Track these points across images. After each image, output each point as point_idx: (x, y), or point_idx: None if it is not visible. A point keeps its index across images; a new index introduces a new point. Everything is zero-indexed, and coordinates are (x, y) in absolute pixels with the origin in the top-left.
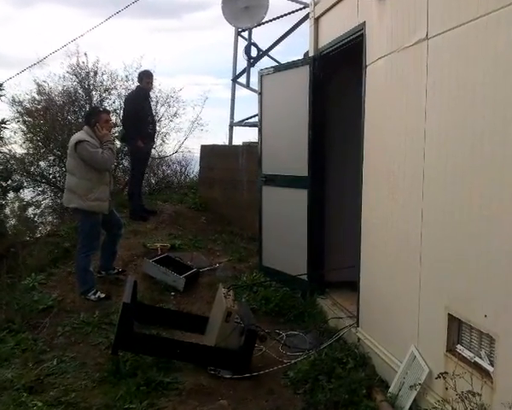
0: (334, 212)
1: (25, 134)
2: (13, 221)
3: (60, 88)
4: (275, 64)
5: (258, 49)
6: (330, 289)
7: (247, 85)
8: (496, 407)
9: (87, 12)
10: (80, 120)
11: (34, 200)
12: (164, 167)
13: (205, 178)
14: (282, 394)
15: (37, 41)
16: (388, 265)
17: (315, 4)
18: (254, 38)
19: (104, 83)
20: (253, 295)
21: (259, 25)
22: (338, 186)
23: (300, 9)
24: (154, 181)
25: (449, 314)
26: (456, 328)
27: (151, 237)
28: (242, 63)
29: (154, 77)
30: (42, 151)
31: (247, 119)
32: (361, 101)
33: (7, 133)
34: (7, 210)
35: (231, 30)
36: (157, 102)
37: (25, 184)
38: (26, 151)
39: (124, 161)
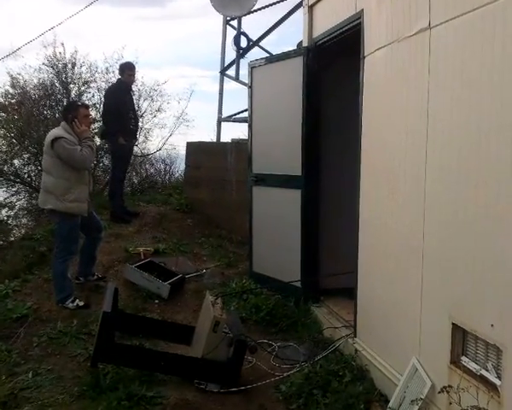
0: (330, 214)
1: None
2: None
3: (35, 81)
4: (266, 55)
5: (249, 40)
6: (326, 297)
7: (237, 78)
8: None
9: None
10: (57, 116)
11: (8, 201)
12: (147, 166)
13: (191, 178)
14: (274, 409)
15: (11, 30)
16: (388, 270)
17: None
18: (244, 28)
19: (83, 75)
20: (243, 304)
21: (249, 13)
22: (334, 186)
23: None
24: (136, 181)
25: (453, 324)
26: (461, 338)
27: (133, 241)
28: (231, 54)
29: (137, 69)
30: (16, 149)
31: (236, 114)
32: (359, 95)
33: None
34: None
35: (219, 18)
36: (140, 95)
37: None
38: None
39: (104, 159)
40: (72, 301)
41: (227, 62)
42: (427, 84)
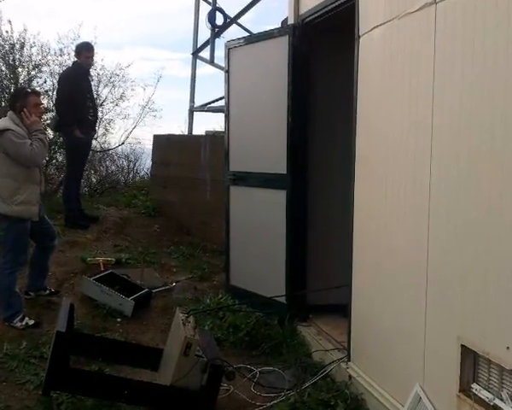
0: (320, 218)
1: None
2: None
3: None
4: (245, 35)
5: (225, 16)
6: (314, 315)
7: (211, 61)
8: None
9: None
10: (3, 104)
11: None
12: (108, 163)
13: (158, 177)
14: None
15: None
16: (387, 284)
17: None
18: (220, 2)
19: (33, 58)
20: (219, 322)
21: None
22: (324, 187)
23: None
24: (95, 180)
25: (462, 346)
26: (472, 363)
27: (92, 250)
28: (205, 33)
29: (96, 50)
30: None
31: (211, 102)
32: (353, 80)
33: None
34: None
35: None
36: (99, 81)
37: None
38: None
39: (58, 154)
40: (21, 320)
41: (200, 43)
42: (432, 68)
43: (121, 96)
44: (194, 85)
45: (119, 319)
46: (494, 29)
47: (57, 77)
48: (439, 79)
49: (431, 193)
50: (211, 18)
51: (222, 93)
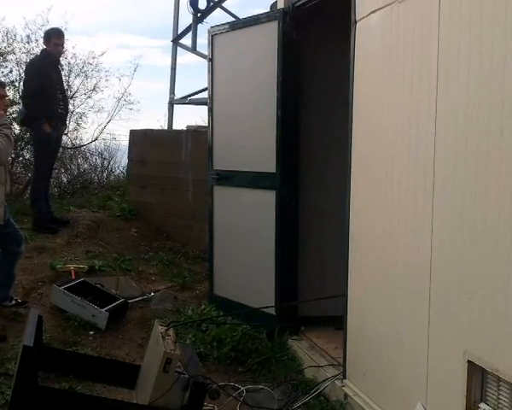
0: (313, 221)
1: None
2: None
3: None
4: (231, 20)
5: (209, 0)
6: (307, 328)
7: (193, 49)
8: None
9: None
10: None
11: None
12: (79, 161)
13: (135, 176)
14: None
15: None
16: (386, 293)
17: None
18: None
19: None
20: (202, 336)
21: None
22: (318, 187)
23: None
24: (65, 179)
25: (469, 362)
26: (479, 380)
27: (62, 257)
28: (187, 19)
29: (66, 37)
30: None
31: (193, 94)
32: (349, 70)
33: None
34: None
35: None
36: (70, 71)
37: None
38: None
39: (25, 151)
40: None
41: (181, 29)
42: (436, 56)
43: (94, 88)
44: (174, 76)
45: (91, 333)
46: (503, 13)
47: (24, 66)
48: (442, 67)
49: (434, 193)
50: (193, 1)
51: (205, 84)
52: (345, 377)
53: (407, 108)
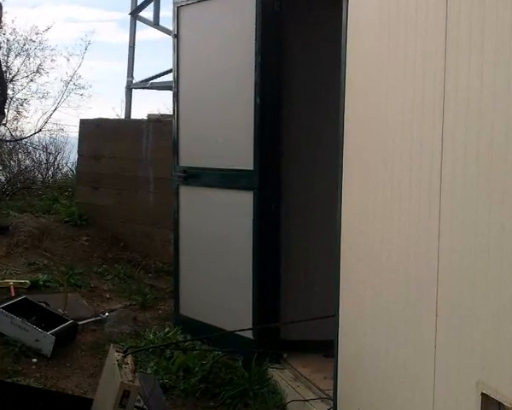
0: (298, 228)
1: None
2: None
3: None
4: None
5: None
6: (290, 354)
7: (156, 23)
8: None
9: None
10: None
11: None
12: (20, 156)
13: (87, 174)
14: None
15: None
16: (385, 314)
17: None
18: None
19: None
20: (166, 364)
21: None
22: (303, 186)
23: None
24: (4, 178)
25: (483, 395)
26: None
27: (0, 270)
28: None
29: (5, 9)
30: None
31: (155, 77)
32: (340, 49)
33: None
34: None
35: None
36: (9, 49)
37: None
38: None
39: None
40: None
41: (141, 0)
42: (443, 31)
43: (38, 69)
44: (133, 55)
45: (35, 360)
46: None
47: None
48: (451, 42)
49: (442, 192)
50: None
51: (169, 65)
52: None
53: (407, 94)
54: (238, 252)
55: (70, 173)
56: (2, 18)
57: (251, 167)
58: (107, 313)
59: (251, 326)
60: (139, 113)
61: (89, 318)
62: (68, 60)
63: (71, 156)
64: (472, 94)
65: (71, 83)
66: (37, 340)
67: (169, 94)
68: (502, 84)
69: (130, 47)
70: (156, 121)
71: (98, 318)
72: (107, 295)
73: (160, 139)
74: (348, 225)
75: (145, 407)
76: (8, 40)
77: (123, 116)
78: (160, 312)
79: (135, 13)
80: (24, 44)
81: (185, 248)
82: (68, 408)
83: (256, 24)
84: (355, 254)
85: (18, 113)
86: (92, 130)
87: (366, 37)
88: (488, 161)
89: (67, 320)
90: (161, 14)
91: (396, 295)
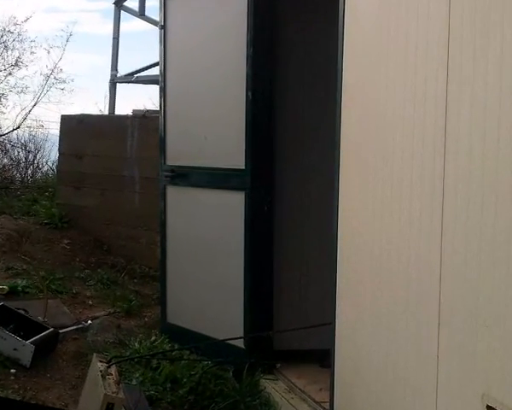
0: (292, 230)
1: None
2: None
3: None
4: None
5: None
6: (284, 365)
7: (141, 13)
8: None
9: None
10: None
11: None
12: None
13: (68, 174)
14: None
15: None
16: (385, 321)
17: None
18: None
19: None
20: (152, 375)
21: None
22: (298, 186)
23: None
24: None
25: (488, 407)
26: None
27: None
28: None
29: None
30: None
31: (141, 70)
32: (337, 40)
33: None
34: None
35: None
36: None
37: None
38: None
39: None
40: None
41: None
42: (447, 21)
43: (17, 62)
44: (117, 47)
45: (13, 371)
46: None
47: None
48: (455, 30)
49: (444, 193)
50: None
51: (156, 58)
52: None
53: (408, 87)
54: (229, 256)
55: (50, 173)
56: None
57: (242, 166)
58: (89, 321)
59: (242, 335)
60: (124, 108)
61: (70, 326)
62: (49, 52)
63: (51, 154)
64: (477, 87)
65: (51, 77)
66: (15, 349)
67: (155, 88)
68: (509, 75)
69: (114, 39)
70: (142, 117)
71: (80, 326)
72: (90, 302)
73: (145, 136)
74: (345, 228)
75: None
76: None
77: (106, 112)
78: (145, 319)
79: (119, 2)
80: (1, 36)
81: (173, 251)
82: None
83: (248, 12)
84: (350, 256)
85: None
86: (74, 126)
87: (364, 27)
88: (494, 157)
89: (48, 328)
90: (147, 3)
91: (394, 298)
